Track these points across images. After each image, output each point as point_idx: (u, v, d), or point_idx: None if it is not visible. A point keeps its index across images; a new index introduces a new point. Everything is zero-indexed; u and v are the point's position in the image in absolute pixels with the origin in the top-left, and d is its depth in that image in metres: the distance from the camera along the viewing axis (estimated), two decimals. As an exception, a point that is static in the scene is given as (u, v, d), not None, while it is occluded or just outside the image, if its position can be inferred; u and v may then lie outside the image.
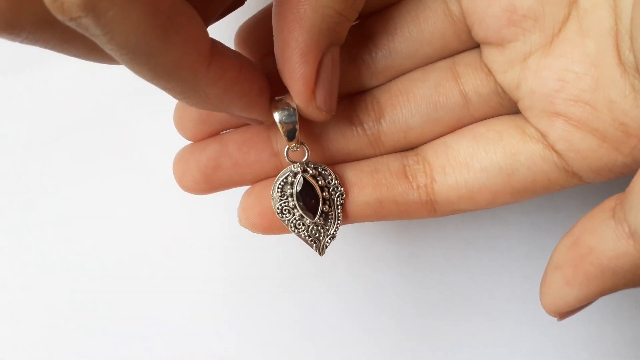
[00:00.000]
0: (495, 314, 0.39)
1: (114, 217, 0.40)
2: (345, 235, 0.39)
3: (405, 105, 0.29)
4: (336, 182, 0.29)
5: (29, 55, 0.40)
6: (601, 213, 0.23)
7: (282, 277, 0.40)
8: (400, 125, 0.29)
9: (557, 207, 0.39)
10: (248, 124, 0.30)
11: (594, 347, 0.39)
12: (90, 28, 0.19)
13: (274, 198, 0.28)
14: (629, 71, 0.24)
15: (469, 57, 0.29)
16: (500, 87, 0.28)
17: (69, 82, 0.41)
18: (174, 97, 0.24)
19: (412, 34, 0.28)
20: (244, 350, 0.40)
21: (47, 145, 0.40)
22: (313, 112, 0.26)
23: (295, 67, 0.25)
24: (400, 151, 0.30)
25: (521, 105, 0.27)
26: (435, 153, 0.29)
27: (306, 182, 0.28)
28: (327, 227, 0.29)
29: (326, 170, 0.29)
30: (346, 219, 0.29)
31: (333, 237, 0.29)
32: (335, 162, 0.30)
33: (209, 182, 0.29)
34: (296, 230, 0.29)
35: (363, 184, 0.29)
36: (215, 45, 0.23)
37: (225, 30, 0.29)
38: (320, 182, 0.29)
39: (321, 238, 0.29)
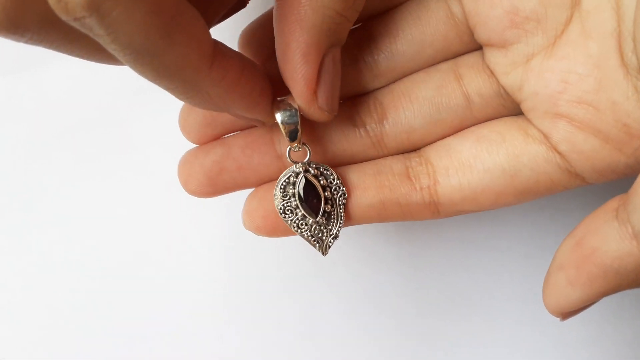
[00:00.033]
0: (495, 314, 0.39)
1: (115, 217, 0.40)
2: (346, 236, 0.39)
3: (407, 106, 0.29)
4: (338, 181, 0.29)
5: (29, 55, 0.40)
6: (604, 214, 0.23)
7: (282, 277, 0.40)
8: (403, 126, 0.29)
9: (558, 207, 0.39)
10: (251, 127, 0.30)
11: (594, 347, 0.39)
12: (94, 28, 0.19)
13: (277, 198, 0.29)
14: (631, 73, 0.24)
15: (471, 58, 0.29)
16: (503, 88, 0.28)
17: (69, 82, 0.40)
18: (177, 97, 0.24)
19: (414, 36, 0.28)
20: (244, 350, 0.40)
21: (47, 145, 0.40)
22: (315, 112, 0.26)
23: (297, 67, 0.25)
24: (403, 153, 0.30)
25: (524, 107, 0.27)
26: (438, 154, 0.29)
27: (308, 182, 0.29)
28: (330, 227, 0.29)
29: (328, 170, 0.29)
30: (349, 220, 0.29)
31: (336, 237, 0.29)
32: (339, 163, 0.30)
33: (213, 186, 0.29)
34: (299, 230, 0.29)
35: (366, 186, 0.29)
36: (218, 46, 0.23)
37: (227, 32, 0.29)
38: (322, 182, 0.29)
39: (324, 238, 0.29)
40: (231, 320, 0.40)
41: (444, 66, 0.29)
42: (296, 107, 0.27)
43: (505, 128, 0.28)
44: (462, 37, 0.28)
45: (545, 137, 0.27)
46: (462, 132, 0.29)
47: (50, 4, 0.18)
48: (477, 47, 0.29)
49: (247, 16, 0.30)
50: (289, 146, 0.28)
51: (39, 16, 0.20)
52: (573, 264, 0.23)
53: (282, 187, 0.29)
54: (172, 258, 0.40)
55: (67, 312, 0.40)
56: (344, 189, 0.29)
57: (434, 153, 0.29)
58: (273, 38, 0.26)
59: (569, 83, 0.25)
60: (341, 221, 0.29)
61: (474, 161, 0.28)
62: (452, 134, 0.29)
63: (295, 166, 0.29)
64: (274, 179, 0.29)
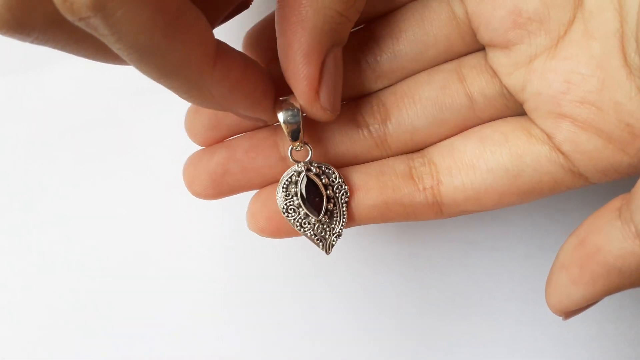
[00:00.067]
0: (495, 314, 0.39)
1: (115, 217, 0.40)
2: (346, 235, 0.39)
3: (411, 107, 0.29)
4: (340, 180, 0.29)
5: (30, 55, 0.40)
6: (607, 213, 0.23)
7: (282, 277, 0.40)
8: (406, 127, 0.29)
9: (558, 207, 0.39)
10: (255, 129, 0.30)
11: (594, 347, 0.39)
12: (98, 28, 0.19)
13: (279, 197, 0.29)
14: (634, 73, 0.24)
15: (474, 59, 0.29)
16: (506, 89, 0.28)
17: (70, 82, 0.41)
18: (180, 96, 0.24)
19: (416, 36, 0.29)
20: (244, 350, 0.40)
21: (48, 146, 0.40)
22: (317, 111, 0.27)
23: (299, 67, 0.25)
24: (406, 153, 0.30)
25: (527, 107, 0.27)
26: (441, 155, 0.29)
27: (310, 181, 0.29)
28: (333, 226, 0.29)
29: (330, 169, 0.29)
30: (352, 221, 0.29)
31: (339, 235, 0.29)
32: (342, 164, 0.30)
33: (217, 188, 0.29)
34: (302, 229, 0.29)
35: (369, 186, 0.29)
36: (221, 45, 0.24)
37: (231, 33, 0.29)
38: (323, 180, 0.29)
39: (327, 237, 0.29)
40: (231, 320, 0.40)
41: (447, 67, 0.29)
42: (298, 106, 0.27)
43: (508, 128, 0.28)
44: (464, 37, 0.28)
45: (549, 137, 0.27)
46: (465, 132, 0.29)
47: (56, 4, 0.18)
48: (479, 48, 0.29)
49: (250, 17, 0.30)
50: (291, 146, 0.29)
51: (45, 16, 0.20)
52: (576, 263, 0.23)
53: (285, 186, 0.29)
54: (172, 258, 0.40)
55: (67, 312, 0.40)
56: (346, 187, 0.29)
57: (437, 153, 0.29)
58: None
59: (572, 83, 0.25)
60: (344, 219, 0.29)
61: (477, 161, 0.28)
62: (455, 134, 0.29)
63: (297, 165, 0.29)
64: (277, 180, 0.29)
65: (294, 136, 0.28)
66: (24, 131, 0.40)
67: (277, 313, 0.40)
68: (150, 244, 0.40)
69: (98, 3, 0.18)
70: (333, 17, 0.24)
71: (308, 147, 0.29)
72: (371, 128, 0.29)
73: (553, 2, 0.25)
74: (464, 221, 0.40)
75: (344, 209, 0.29)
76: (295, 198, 0.29)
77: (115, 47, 0.20)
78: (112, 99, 0.40)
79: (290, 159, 0.29)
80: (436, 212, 0.29)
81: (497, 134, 0.28)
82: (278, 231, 0.29)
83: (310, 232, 0.29)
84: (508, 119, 0.29)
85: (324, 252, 0.30)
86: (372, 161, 0.30)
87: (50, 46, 0.21)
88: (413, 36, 0.29)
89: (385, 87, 0.30)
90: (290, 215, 0.29)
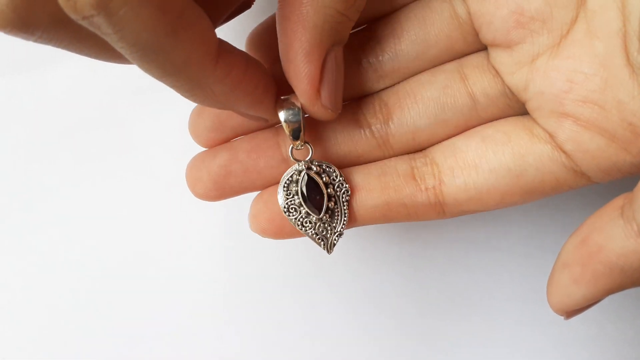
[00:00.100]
0: (495, 314, 0.39)
1: (115, 217, 0.40)
2: (346, 236, 0.39)
3: (413, 107, 0.29)
4: (341, 178, 0.29)
5: (30, 55, 0.40)
6: (610, 212, 0.23)
7: (282, 277, 0.40)
8: (408, 127, 0.29)
9: (558, 207, 0.39)
10: (257, 131, 0.30)
11: (594, 347, 0.39)
12: (102, 27, 0.19)
13: (280, 197, 0.29)
14: (637, 72, 0.24)
15: (476, 59, 0.29)
16: (508, 88, 0.28)
17: (70, 82, 0.40)
18: (182, 94, 0.24)
19: (418, 36, 0.29)
20: (244, 350, 0.40)
21: (48, 145, 0.40)
22: (318, 110, 0.27)
23: (300, 66, 0.25)
24: (408, 153, 0.30)
25: (529, 106, 0.27)
26: (443, 155, 0.29)
27: (310, 179, 0.29)
28: (334, 224, 0.29)
29: (330, 167, 0.29)
30: (354, 222, 0.29)
31: (340, 234, 0.29)
32: (345, 164, 0.30)
33: (220, 190, 0.29)
34: (303, 229, 0.29)
35: (371, 187, 0.29)
36: (223, 44, 0.24)
37: (233, 33, 0.30)
38: (324, 179, 0.29)
39: (329, 236, 0.29)
40: (231, 320, 0.40)
41: (449, 67, 0.29)
42: (299, 105, 0.27)
43: (510, 128, 0.28)
44: (466, 37, 0.28)
45: (551, 136, 0.27)
46: (467, 132, 0.29)
47: (60, 3, 0.18)
48: (481, 48, 0.29)
49: (253, 17, 0.30)
50: (292, 145, 0.29)
51: (49, 15, 0.20)
52: (578, 261, 0.23)
53: (286, 185, 0.29)
54: (172, 258, 0.40)
55: (67, 312, 0.39)
56: (347, 185, 0.29)
57: (440, 153, 0.29)
58: None
59: (574, 82, 0.25)
60: (345, 218, 0.29)
61: (479, 161, 0.28)
62: (457, 134, 0.29)
63: (298, 164, 0.29)
64: (279, 181, 0.29)
65: (295, 135, 0.28)
66: (24, 131, 0.40)
67: (277, 313, 0.40)
68: (150, 244, 0.40)
69: (101, 1, 0.18)
70: (333, 16, 0.24)
71: (309, 146, 0.29)
72: (373, 128, 0.29)
73: (556, 1, 0.25)
74: (464, 221, 0.40)
75: (345, 207, 0.29)
76: (296, 197, 0.29)
77: (118, 46, 0.20)
78: (112, 98, 0.40)
79: (291, 158, 0.29)
80: (438, 212, 0.29)
81: (500, 134, 0.28)
82: (280, 232, 0.29)
83: (311, 232, 0.29)
84: (510, 118, 0.29)
85: (325, 251, 0.30)
86: (374, 161, 0.30)
87: (54, 45, 0.21)
88: (415, 36, 0.29)
89: (387, 87, 0.30)
90: (291, 214, 0.29)
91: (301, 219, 0.29)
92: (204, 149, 0.30)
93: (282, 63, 0.26)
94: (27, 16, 0.20)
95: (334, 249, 0.30)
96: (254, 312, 0.40)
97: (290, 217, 0.29)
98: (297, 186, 0.29)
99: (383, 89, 0.30)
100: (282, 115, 0.27)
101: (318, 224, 0.29)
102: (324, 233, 0.29)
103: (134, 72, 0.26)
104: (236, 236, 0.40)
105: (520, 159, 0.27)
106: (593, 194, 0.38)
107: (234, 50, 0.24)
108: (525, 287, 0.39)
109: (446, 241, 0.40)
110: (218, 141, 0.30)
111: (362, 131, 0.29)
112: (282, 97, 0.27)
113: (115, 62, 0.23)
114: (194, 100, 0.24)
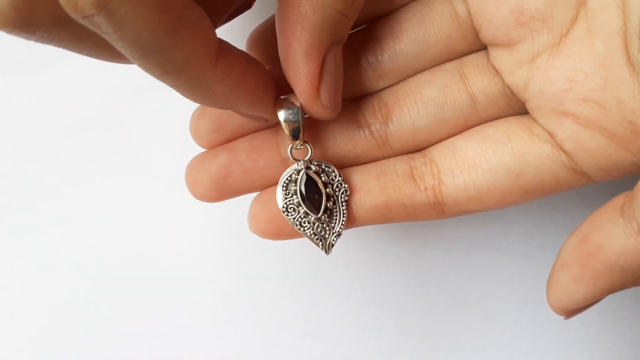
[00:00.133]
0: (495, 314, 0.39)
1: (115, 217, 0.40)
2: (345, 236, 0.39)
3: (412, 106, 0.29)
4: (340, 178, 0.29)
5: (30, 55, 0.40)
6: (609, 211, 0.23)
7: (282, 277, 0.40)
8: (407, 127, 0.29)
9: (558, 207, 0.39)
10: (257, 132, 0.30)
11: (593, 347, 0.39)
12: (102, 26, 0.19)
13: (279, 196, 0.29)
14: (637, 71, 0.24)
15: (476, 58, 0.29)
16: (508, 87, 0.28)
17: (70, 82, 0.40)
18: (182, 94, 0.24)
19: (417, 36, 0.29)
20: (244, 350, 0.40)
21: (48, 145, 0.40)
22: (318, 110, 0.27)
23: (299, 66, 0.25)
24: (408, 153, 0.30)
25: (529, 106, 0.27)
26: (443, 154, 0.29)
27: (309, 178, 0.29)
28: (333, 225, 0.29)
29: (329, 167, 0.29)
30: (353, 222, 0.29)
31: (339, 235, 0.29)
32: (344, 164, 0.30)
33: (220, 191, 0.29)
34: (301, 229, 0.29)
35: (370, 187, 0.29)
36: (223, 44, 0.24)
37: (233, 33, 0.30)
38: (323, 179, 0.29)
39: (327, 236, 0.29)
40: (231, 320, 0.40)
41: (449, 66, 0.29)
42: (299, 105, 0.27)
43: (510, 127, 0.28)
44: (466, 36, 0.28)
45: (551, 135, 0.27)
46: (467, 131, 0.29)
47: (61, 2, 0.18)
48: (481, 47, 0.29)
49: (253, 17, 0.30)
50: (291, 144, 0.29)
51: (50, 15, 0.20)
52: (577, 261, 0.23)
53: (284, 185, 0.29)
54: (172, 258, 0.40)
55: (67, 312, 0.39)
56: (346, 185, 0.29)
57: (439, 153, 0.29)
58: None
59: (574, 81, 0.25)
60: (344, 218, 0.29)
61: (478, 161, 0.28)
62: (457, 134, 0.29)
63: (297, 164, 0.29)
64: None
65: (295, 135, 0.28)
66: (24, 131, 0.40)
67: (277, 313, 0.40)
68: (150, 244, 0.40)
69: (102, 1, 0.18)
70: (332, 15, 0.24)
71: (308, 146, 0.29)
72: (372, 128, 0.29)
73: (556, 0, 0.25)
74: (464, 221, 0.40)
75: (343, 207, 0.29)
76: (294, 196, 0.29)
77: (118, 45, 0.20)
78: (113, 98, 0.40)
79: (291, 158, 0.29)
80: (438, 212, 0.29)
81: (499, 133, 0.28)
82: (279, 233, 0.29)
83: (310, 232, 0.29)
84: (510, 118, 0.29)
85: (323, 252, 0.30)
86: (373, 161, 0.30)
87: (55, 44, 0.21)
88: (414, 35, 0.29)
89: (387, 87, 0.30)
90: (290, 214, 0.29)
91: (299, 219, 0.29)
92: (204, 149, 0.30)
93: (282, 63, 0.26)
94: (28, 16, 0.20)
95: (333, 249, 0.30)
96: (254, 312, 0.40)
97: (289, 217, 0.29)
98: (295, 185, 0.29)
99: (382, 89, 0.30)
100: (281, 114, 0.27)
101: (316, 224, 0.29)
102: (322, 233, 0.29)
103: (134, 72, 0.26)
104: (236, 236, 0.40)
105: (520, 159, 0.27)
106: (593, 194, 0.38)
107: (234, 50, 0.25)
108: (525, 287, 0.39)
109: (446, 241, 0.40)
110: (219, 142, 0.30)
111: (361, 131, 0.29)
112: (281, 97, 0.27)
113: (115, 61, 0.23)
114: (194, 100, 0.24)
